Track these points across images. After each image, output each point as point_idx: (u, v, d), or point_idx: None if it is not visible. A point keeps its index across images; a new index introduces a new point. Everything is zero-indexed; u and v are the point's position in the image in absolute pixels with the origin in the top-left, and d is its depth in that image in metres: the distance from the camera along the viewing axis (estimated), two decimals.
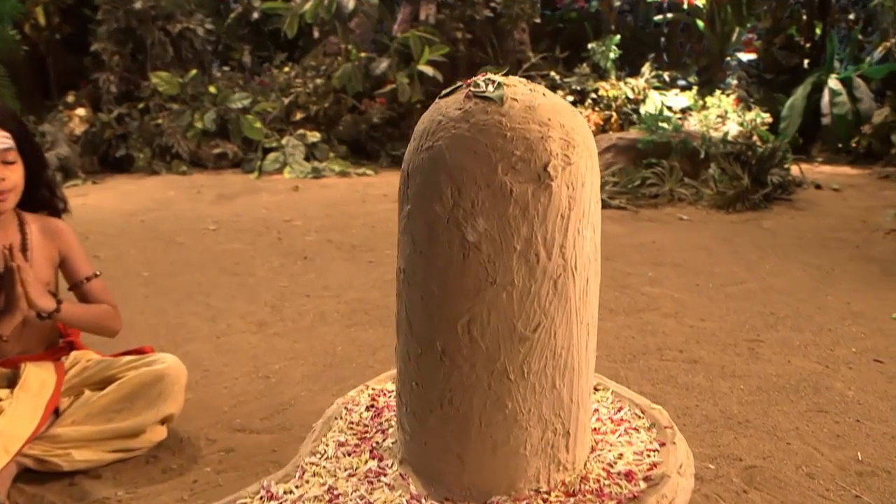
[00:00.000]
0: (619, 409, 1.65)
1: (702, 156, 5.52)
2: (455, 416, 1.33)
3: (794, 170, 5.65)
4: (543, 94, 1.28)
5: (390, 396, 1.69)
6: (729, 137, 5.74)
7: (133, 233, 4.66)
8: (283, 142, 6.79)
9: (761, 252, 4.11)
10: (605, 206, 5.19)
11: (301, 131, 6.88)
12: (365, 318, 3.09)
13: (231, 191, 6.02)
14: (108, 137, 6.92)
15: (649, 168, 5.56)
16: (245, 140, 7.05)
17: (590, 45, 7.94)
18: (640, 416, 1.61)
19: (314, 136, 6.80)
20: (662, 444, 1.50)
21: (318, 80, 7.20)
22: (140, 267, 3.89)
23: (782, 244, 4.30)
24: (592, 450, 1.49)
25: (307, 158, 6.68)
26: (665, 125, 5.60)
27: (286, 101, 7.12)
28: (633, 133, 5.80)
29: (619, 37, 7.83)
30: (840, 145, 6.90)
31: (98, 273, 1.99)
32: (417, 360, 1.35)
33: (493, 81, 1.28)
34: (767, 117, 6.46)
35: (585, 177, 1.28)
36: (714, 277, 3.65)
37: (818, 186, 5.79)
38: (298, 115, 7.06)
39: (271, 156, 6.73)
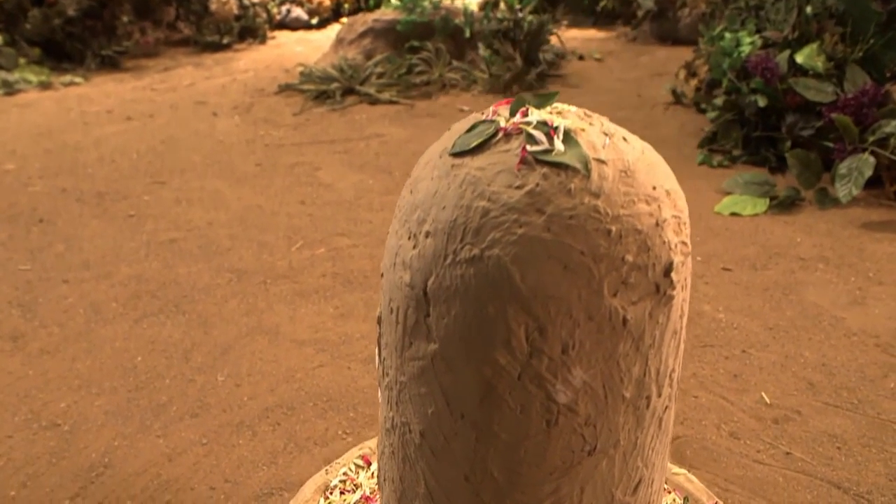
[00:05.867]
0: None
1: (467, 35, 5.13)
2: None
3: (553, 40, 5.49)
4: (620, 137, 0.79)
5: None
6: (475, 8, 5.40)
7: None
8: None
9: None
10: (375, 101, 4.70)
11: None
12: (155, 305, 2.36)
13: None
14: None
15: (414, 53, 5.08)
16: None
17: None
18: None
19: None
20: None
21: None
22: None
23: None
24: None
25: None
26: (424, 2, 5.10)
27: None
28: (390, 13, 5.23)
29: None
30: (586, 1, 6.91)
31: None
32: None
33: (552, 125, 0.75)
34: None
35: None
36: None
37: (581, 57, 5.71)
38: None
39: None
